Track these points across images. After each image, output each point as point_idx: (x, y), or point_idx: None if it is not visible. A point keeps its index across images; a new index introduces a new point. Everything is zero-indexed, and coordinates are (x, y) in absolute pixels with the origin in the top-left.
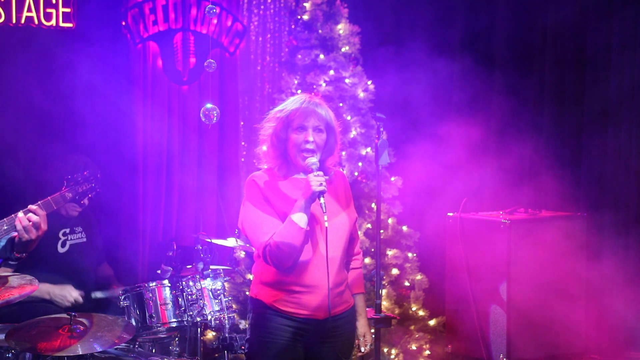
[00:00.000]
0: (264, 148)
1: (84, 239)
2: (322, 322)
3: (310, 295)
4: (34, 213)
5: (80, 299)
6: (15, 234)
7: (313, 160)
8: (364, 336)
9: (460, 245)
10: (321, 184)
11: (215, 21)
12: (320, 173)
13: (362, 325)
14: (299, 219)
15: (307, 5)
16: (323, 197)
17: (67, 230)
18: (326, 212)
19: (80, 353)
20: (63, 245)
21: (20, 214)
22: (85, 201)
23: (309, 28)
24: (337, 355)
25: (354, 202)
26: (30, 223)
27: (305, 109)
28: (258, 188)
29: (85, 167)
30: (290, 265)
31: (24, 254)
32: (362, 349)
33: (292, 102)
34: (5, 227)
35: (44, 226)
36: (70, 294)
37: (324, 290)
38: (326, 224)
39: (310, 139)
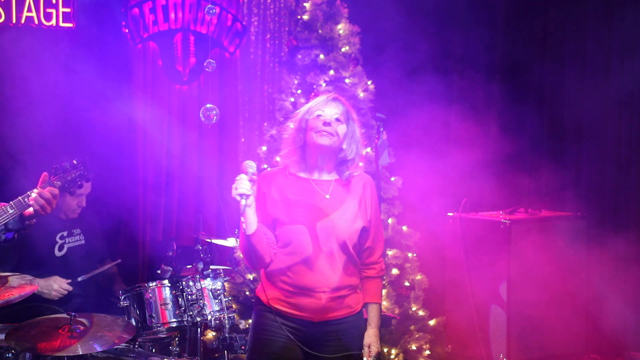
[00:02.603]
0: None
1: (83, 241)
2: (318, 325)
3: (305, 298)
4: (49, 191)
5: (67, 287)
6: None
7: (251, 164)
8: (369, 346)
9: (460, 245)
10: (236, 188)
11: (215, 21)
12: (243, 176)
13: (368, 335)
14: (244, 224)
15: (307, 5)
16: (245, 199)
17: (65, 234)
18: (243, 215)
19: (80, 353)
20: (60, 248)
21: (36, 191)
22: (83, 201)
23: (309, 28)
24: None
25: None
26: (45, 200)
27: (325, 100)
28: (259, 185)
29: (75, 157)
30: (286, 264)
31: (34, 220)
32: (365, 359)
33: (312, 99)
34: (27, 202)
35: (55, 200)
36: (55, 282)
37: (319, 293)
38: (235, 231)
39: (328, 120)
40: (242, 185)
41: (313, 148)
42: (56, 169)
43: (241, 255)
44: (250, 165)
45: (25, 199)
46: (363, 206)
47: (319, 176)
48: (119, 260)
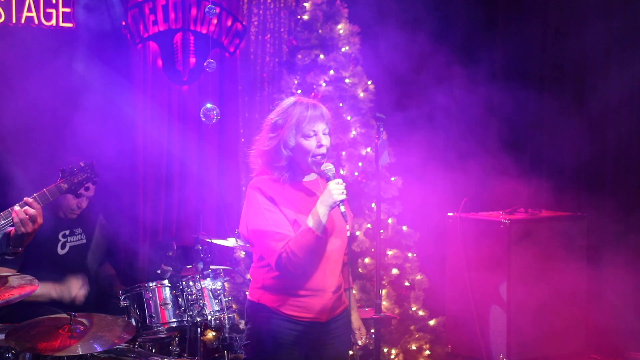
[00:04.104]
0: (256, 155)
1: (84, 241)
2: (325, 325)
3: (316, 299)
4: (30, 206)
5: (83, 295)
6: (11, 228)
7: (330, 166)
8: (359, 329)
9: (460, 245)
10: (342, 192)
11: (215, 21)
12: (340, 180)
13: (356, 319)
14: (317, 226)
15: (307, 5)
16: (343, 204)
17: (67, 232)
18: (347, 221)
19: (80, 353)
20: (63, 247)
21: (17, 207)
22: (84, 203)
23: (309, 28)
24: (337, 356)
25: (353, 202)
26: (27, 216)
27: (312, 114)
28: (264, 194)
29: (81, 159)
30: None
31: (20, 249)
32: (359, 342)
33: (293, 109)
34: (2, 222)
35: (39, 219)
36: (73, 286)
37: (328, 293)
38: (348, 233)
39: (324, 142)
40: (343, 190)
41: (305, 166)
42: (63, 171)
43: (242, 255)
44: (331, 169)
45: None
46: (347, 203)
47: (308, 177)
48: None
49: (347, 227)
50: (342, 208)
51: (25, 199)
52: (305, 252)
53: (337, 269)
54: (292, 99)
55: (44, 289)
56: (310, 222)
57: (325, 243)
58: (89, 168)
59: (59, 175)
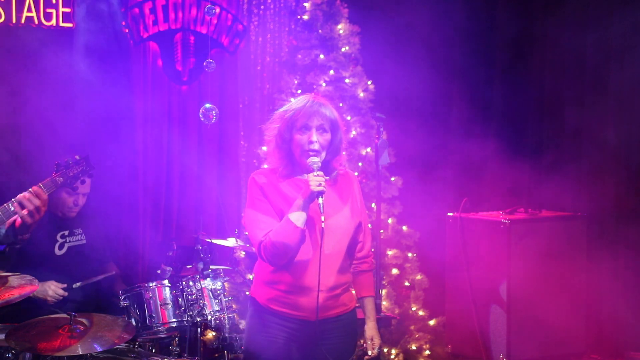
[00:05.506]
0: (264, 148)
1: (84, 241)
2: (314, 324)
3: (303, 297)
4: (37, 196)
5: (62, 292)
6: (14, 218)
7: (315, 159)
8: (372, 339)
9: (460, 245)
10: (320, 184)
11: (215, 21)
12: (320, 173)
13: (369, 328)
14: (296, 218)
15: (307, 5)
16: (322, 197)
17: (66, 233)
18: (324, 213)
19: (80, 353)
20: (61, 247)
21: (23, 197)
22: (80, 200)
23: (309, 28)
24: (335, 358)
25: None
26: (33, 206)
27: (309, 109)
28: (257, 186)
29: (77, 153)
30: (286, 264)
31: (27, 235)
32: (369, 352)
33: (296, 103)
34: (12, 209)
35: (44, 208)
36: (49, 287)
37: (316, 292)
38: (322, 225)
39: (314, 138)
40: (321, 182)
41: (301, 161)
42: (58, 165)
43: (242, 255)
44: (316, 162)
45: (10, 206)
46: (355, 204)
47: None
48: (113, 272)
49: (322, 218)
50: (320, 200)
51: (31, 189)
52: (283, 243)
53: (331, 268)
54: (303, 95)
55: None
56: (291, 213)
57: (316, 241)
58: (84, 161)
59: (54, 169)
